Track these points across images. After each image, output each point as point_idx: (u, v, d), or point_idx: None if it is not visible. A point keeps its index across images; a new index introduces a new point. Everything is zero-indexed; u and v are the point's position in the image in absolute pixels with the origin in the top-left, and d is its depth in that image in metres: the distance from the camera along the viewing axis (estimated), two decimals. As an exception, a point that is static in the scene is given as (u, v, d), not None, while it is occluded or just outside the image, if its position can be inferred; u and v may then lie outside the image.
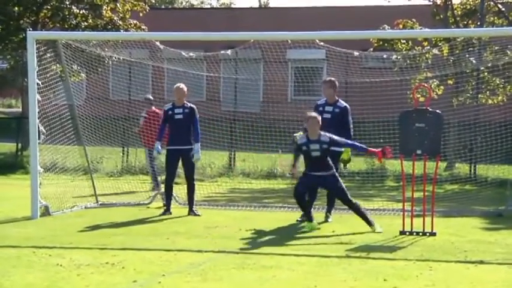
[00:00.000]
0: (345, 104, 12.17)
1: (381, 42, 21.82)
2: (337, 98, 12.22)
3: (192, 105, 13.09)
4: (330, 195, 12.14)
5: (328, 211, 12.31)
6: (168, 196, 13.20)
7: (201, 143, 13.16)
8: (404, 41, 21.65)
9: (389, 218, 12.56)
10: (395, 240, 10.48)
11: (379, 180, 18.68)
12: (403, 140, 11.06)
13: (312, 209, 12.18)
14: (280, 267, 8.49)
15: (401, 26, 22.07)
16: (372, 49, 21.13)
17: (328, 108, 12.07)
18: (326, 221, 12.08)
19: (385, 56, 18.90)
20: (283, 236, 10.78)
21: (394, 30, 20.99)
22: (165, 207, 13.16)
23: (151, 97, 17.16)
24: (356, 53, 13.75)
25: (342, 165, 12.41)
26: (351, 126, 12.10)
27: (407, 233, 10.81)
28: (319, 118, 11.11)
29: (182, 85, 13.25)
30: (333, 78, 12.50)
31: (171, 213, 12.96)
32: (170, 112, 13.03)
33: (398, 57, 19.66)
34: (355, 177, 18.67)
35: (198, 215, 12.84)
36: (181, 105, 13.06)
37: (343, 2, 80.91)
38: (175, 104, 13.10)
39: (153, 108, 16.61)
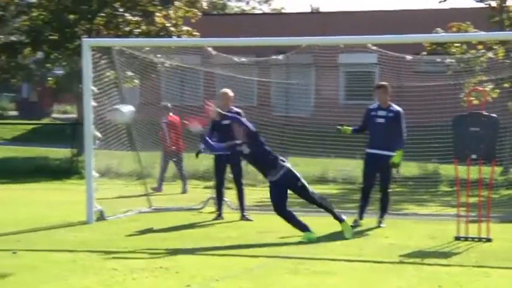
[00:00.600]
0: (398, 108, 12.07)
1: (434, 46, 21.56)
2: (389, 103, 12.13)
3: (238, 110, 13.09)
4: (381, 199, 12.11)
5: (381, 216, 12.22)
6: (219, 201, 13.27)
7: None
8: (458, 45, 21.36)
9: (443, 224, 12.42)
10: (450, 245, 10.35)
11: (432, 185, 18.46)
12: (457, 144, 10.92)
13: (365, 214, 12.16)
14: (333, 273, 8.46)
15: (455, 29, 21.80)
16: (425, 53, 20.92)
17: (382, 113, 12.00)
18: (379, 226, 12.00)
19: (438, 60, 18.69)
20: (336, 241, 10.73)
21: (447, 34, 20.74)
22: (217, 212, 13.23)
23: (169, 104, 18.03)
24: (408, 57, 13.65)
25: (394, 169, 12.31)
26: (405, 131, 12.00)
27: (462, 239, 10.67)
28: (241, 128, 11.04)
29: (228, 90, 13.28)
30: (385, 83, 12.41)
31: (223, 218, 13.02)
32: (218, 118, 13.03)
33: (452, 60, 19.42)
34: (408, 182, 18.49)
35: (250, 220, 12.87)
36: (227, 110, 13.06)
37: (395, 5, 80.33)
38: (222, 109, 13.09)
39: (171, 115, 17.49)
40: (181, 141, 17.60)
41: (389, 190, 12.24)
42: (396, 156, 11.79)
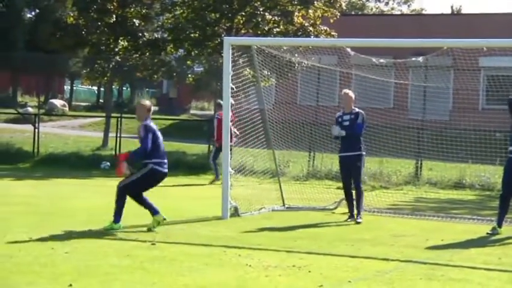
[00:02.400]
0: None
1: None
2: None
3: (359, 111, 12.97)
4: None
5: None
6: (349, 202, 13.14)
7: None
8: None
9: None
10: None
11: None
12: None
13: (504, 222, 11.78)
14: (470, 281, 8.24)
15: None
16: None
17: None
18: (517, 235, 11.58)
19: None
20: (472, 248, 10.44)
21: None
22: (349, 213, 13.13)
23: (221, 102, 18.20)
24: (556, 61, 13.06)
25: None
26: None
27: None
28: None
29: (349, 91, 13.20)
30: None
31: (354, 219, 12.90)
32: (340, 119, 13.04)
33: None
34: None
35: (358, 222, 12.64)
36: (349, 111, 12.99)
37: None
38: (345, 110, 13.05)
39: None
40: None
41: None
42: None
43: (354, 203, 13.15)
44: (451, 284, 8.06)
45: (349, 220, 12.89)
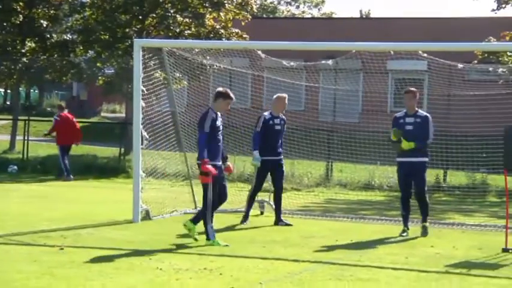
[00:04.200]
0: (425, 113, 12.00)
1: (486, 55, 21.30)
2: (416, 109, 11.99)
3: (284, 117, 13.04)
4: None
5: (424, 220, 11.93)
6: (250, 205, 13.15)
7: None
8: (510, 54, 21.07)
9: (490, 235, 12.23)
10: (498, 257, 10.17)
11: (480, 195, 18.22)
12: (508, 155, 10.75)
13: (409, 222, 12.00)
14: (377, 280, 8.40)
15: (507, 38, 21.50)
16: (476, 61, 20.67)
17: (410, 120, 11.89)
18: (424, 231, 11.80)
19: (490, 69, 18.44)
20: (381, 248, 10.65)
21: (500, 43, 20.46)
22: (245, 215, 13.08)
23: (63, 104, 22.38)
24: (460, 66, 13.45)
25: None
26: (431, 136, 11.84)
27: (511, 251, 10.47)
28: None
29: (286, 95, 13.13)
30: (414, 89, 12.29)
31: (247, 223, 12.83)
32: (271, 122, 12.84)
33: (505, 70, 19.14)
34: (455, 192, 18.30)
35: (289, 224, 12.75)
36: (278, 115, 12.97)
37: (446, 13, 79.49)
38: (273, 114, 13.01)
39: (65, 112, 20.93)
40: (71, 134, 20.49)
41: (426, 195, 11.96)
42: (404, 142, 11.60)
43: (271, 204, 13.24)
44: (360, 284, 8.20)
45: (245, 223, 12.83)
